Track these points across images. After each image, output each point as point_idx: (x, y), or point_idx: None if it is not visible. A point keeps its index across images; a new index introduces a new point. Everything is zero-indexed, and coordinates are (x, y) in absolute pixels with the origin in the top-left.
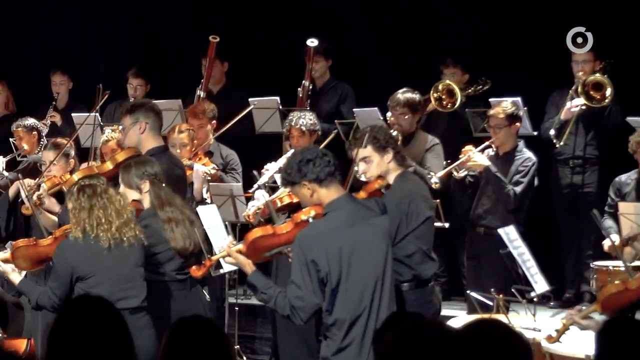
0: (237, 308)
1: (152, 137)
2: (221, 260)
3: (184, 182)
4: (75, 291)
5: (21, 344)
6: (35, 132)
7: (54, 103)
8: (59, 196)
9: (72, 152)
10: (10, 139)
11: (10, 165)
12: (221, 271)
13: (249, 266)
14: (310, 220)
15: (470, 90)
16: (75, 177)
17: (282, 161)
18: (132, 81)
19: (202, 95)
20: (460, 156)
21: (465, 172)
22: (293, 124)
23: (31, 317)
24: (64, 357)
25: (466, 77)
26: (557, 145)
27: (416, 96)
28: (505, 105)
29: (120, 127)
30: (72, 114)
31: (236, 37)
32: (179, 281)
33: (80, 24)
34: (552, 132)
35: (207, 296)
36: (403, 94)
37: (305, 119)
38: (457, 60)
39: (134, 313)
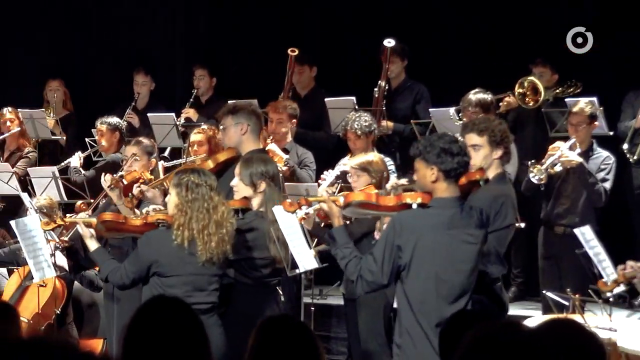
0: (312, 308)
1: (252, 140)
2: (296, 254)
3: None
4: (150, 282)
5: (97, 344)
6: (117, 132)
7: (133, 104)
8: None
9: (155, 152)
10: (87, 139)
11: (86, 164)
12: (297, 271)
13: (338, 219)
14: (414, 206)
15: (559, 91)
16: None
17: (338, 169)
18: (196, 72)
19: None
20: (550, 153)
21: (561, 168)
22: (348, 127)
23: (106, 318)
24: (140, 358)
25: (555, 78)
26: (631, 160)
27: (488, 96)
28: (586, 104)
29: (221, 127)
30: (148, 114)
31: (318, 39)
32: (263, 285)
33: (158, 24)
34: (625, 145)
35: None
36: (475, 95)
37: (360, 121)
38: (547, 60)
39: (204, 313)
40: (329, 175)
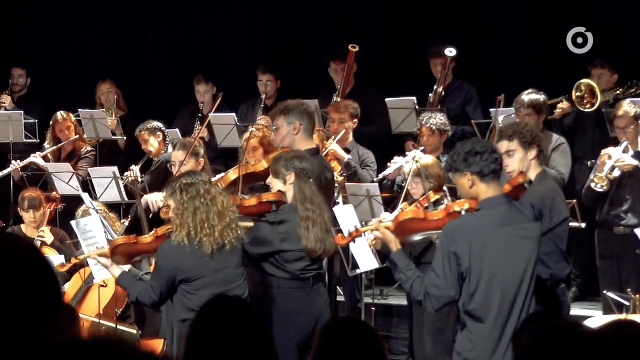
0: (373, 308)
1: (304, 139)
2: (357, 253)
3: (333, 186)
4: (178, 292)
5: (158, 344)
6: (159, 133)
7: (200, 115)
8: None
9: (201, 151)
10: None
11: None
12: (357, 271)
13: (394, 243)
14: (463, 212)
15: (619, 92)
16: (232, 175)
17: (409, 157)
18: (262, 77)
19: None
20: (602, 159)
21: (619, 173)
22: (424, 122)
23: (166, 317)
24: (202, 357)
25: (615, 78)
26: None
27: (540, 97)
28: (628, 105)
29: (273, 128)
30: (210, 115)
31: (368, 37)
32: (301, 279)
33: (218, 26)
34: None
35: (343, 296)
36: (527, 95)
37: (436, 118)
38: (606, 61)
39: None
40: (398, 162)
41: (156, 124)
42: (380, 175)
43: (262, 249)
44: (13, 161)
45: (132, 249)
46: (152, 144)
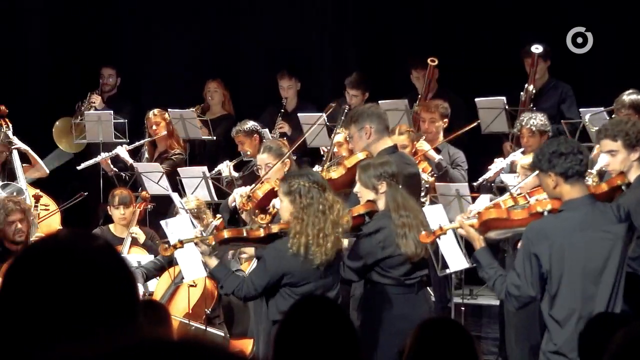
0: (463, 308)
1: (379, 140)
2: (446, 253)
3: (418, 179)
4: (279, 293)
5: (247, 345)
6: (256, 135)
7: (282, 111)
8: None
9: (288, 153)
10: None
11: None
12: (447, 271)
13: (478, 241)
14: (545, 213)
15: None
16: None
17: (509, 160)
18: (349, 91)
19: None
20: None
21: None
22: (524, 123)
23: (254, 317)
24: (291, 357)
25: None
26: None
27: None
28: None
29: (349, 137)
30: (299, 114)
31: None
32: (406, 285)
33: (307, 25)
34: None
35: (432, 296)
36: (628, 96)
37: (536, 119)
38: None
39: None
40: (498, 164)
41: (252, 125)
42: (481, 180)
43: (366, 261)
44: (102, 153)
45: (241, 240)
46: (249, 146)
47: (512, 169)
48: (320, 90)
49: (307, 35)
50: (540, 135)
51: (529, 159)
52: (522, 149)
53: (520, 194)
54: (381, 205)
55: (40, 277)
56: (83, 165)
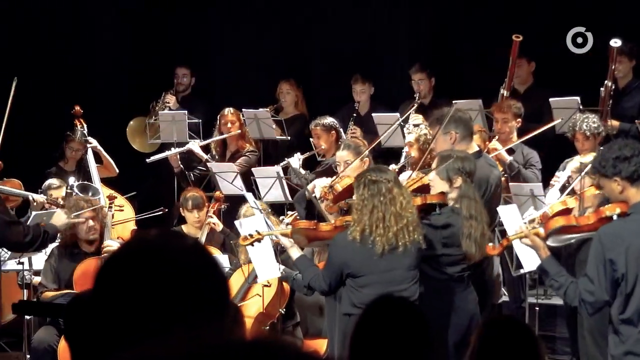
0: (537, 308)
1: (464, 146)
2: (520, 254)
3: (501, 185)
4: (346, 285)
5: (321, 344)
6: (333, 132)
7: (354, 115)
8: None
9: (366, 152)
10: (311, 139)
11: (306, 165)
12: (521, 271)
13: (543, 250)
14: (614, 217)
15: None
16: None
17: (567, 173)
18: (414, 76)
19: (505, 95)
20: None
21: None
22: (577, 127)
23: (328, 317)
24: (366, 357)
25: None
26: None
27: None
28: None
29: (431, 138)
30: (373, 114)
31: (544, 35)
32: (457, 280)
33: (380, 26)
34: None
35: (507, 296)
36: None
37: (588, 122)
38: None
39: None
40: (559, 180)
41: (332, 121)
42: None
43: (424, 251)
44: (173, 148)
45: (311, 234)
46: (325, 141)
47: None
48: (392, 94)
49: (379, 37)
50: (594, 138)
51: (577, 162)
52: (578, 156)
53: (575, 194)
54: (451, 199)
55: (132, 277)
56: (152, 159)
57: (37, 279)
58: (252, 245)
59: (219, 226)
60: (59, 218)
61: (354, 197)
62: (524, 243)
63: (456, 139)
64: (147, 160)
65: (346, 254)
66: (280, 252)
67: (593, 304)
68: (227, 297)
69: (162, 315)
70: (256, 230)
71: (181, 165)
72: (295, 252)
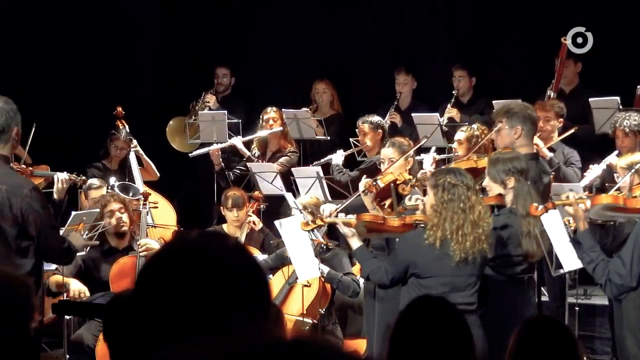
0: (577, 308)
1: (525, 144)
2: (560, 253)
3: (549, 191)
4: (409, 283)
5: (361, 345)
6: (380, 130)
7: (395, 103)
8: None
9: (411, 152)
10: (351, 139)
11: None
12: (561, 271)
13: (583, 222)
14: None
15: None
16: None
17: (603, 164)
18: (455, 73)
19: (552, 95)
20: None
21: None
22: (617, 125)
23: (366, 316)
24: (405, 357)
25: None
26: None
27: None
28: None
29: (495, 129)
30: (412, 114)
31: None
32: (518, 281)
33: (424, 24)
34: None
35: (547, 296)
36: None
37: (630, 119)
38: None
39: (463, 314)
40: (594, 170)
41: (379, 119)
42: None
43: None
44: (215, 144)
45: (376, 227)
46: (371, 139)
47: (609, 172)
48: (433, 94)
49: (418, 37)
50: (634, 136)
51: (626, 159)
52: (616, 152)
53: (621, 192)
54: (508, 200)
55: (174, 277)
56: (195, 153)
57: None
58: (313, 231)
59: (259, 225)
60: (76, 239)
61: (429, 197)
62: (567, 211)
63: (520, 135)
64: (190, 154)
65: (416, 254)
66: (320, 253)
67: (619, 287)
68: (268, 298)
69: (203, 315)
70: (320, 217)
71: (222, 164)
72: (355, 242)
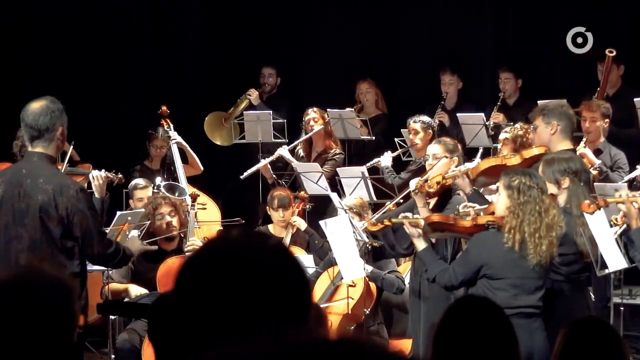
0: (622, 308)
1: (561, 140)
2: (605, 253)
3: (589, 187)
4: (478, 284)
5: (406, 345)
6: (430, 131)
7: (442, 103)
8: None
9: (457, 152)
10: (396, 139)
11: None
12: (606, 271)
13: (636, 220)
14: None
15: None
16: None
17: None
18: (502, 75)
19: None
20: None
21: None
22: None
23: (412, 316)
24: (450, 357)
25: None
26: None
27: None
28: None
29: (532, 127)
30: (458, 114)
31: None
32: (575, 281)
33: (470, 23)
34: None
35: (592, 296)
36: None
37: None
38: None
39: (530, 317)
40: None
41: (430, 119)
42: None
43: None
44: (261, 160)
45: (446, 227)
46: (421, 139)
47: None
48: (479, 92)
49: (466, 36)
50: None
51: None
52: None
53: None
54: (561, 200)
55: (213, 276)
56: (246, 175)
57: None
58: (380, 231)
59: (302, 225)
60: (133, 244)
61: (501, 198)
62: (620, 208)
63: (557, 130)
64: (241, 177)
65: (491, 255)
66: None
67: None
68: (309, 298)
69: (243, 314)
70: (387, 218)
71: (274, 176)
72: (421, 244)
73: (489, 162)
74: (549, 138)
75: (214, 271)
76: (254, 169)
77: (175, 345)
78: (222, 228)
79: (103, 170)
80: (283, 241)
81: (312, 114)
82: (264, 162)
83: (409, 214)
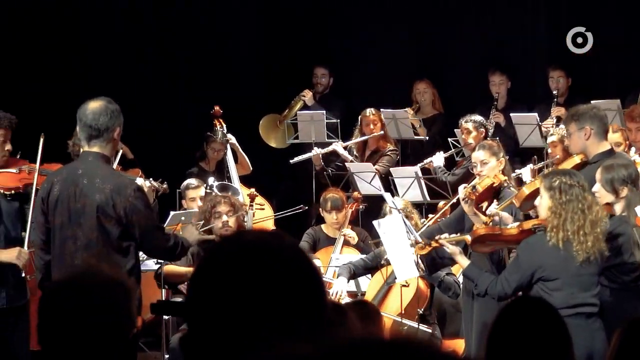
0: None
1: (597, 143)
2: None
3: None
4: (534, 288)
5: (459, 345)
6: (482, 130)
7: (495, 103)
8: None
9: (502, 153)
10: (449, 139)
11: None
12: None
13: None
14: None
15: None
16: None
17: None
18: (552, 74)
19: None
20: None
21: None
22: None
23: (464, 316)
24: (503, 357)
25: None
26: None
27: None
28: None
29: (567, 134)
30: (511, 114)
31: None
32: (631, 289)
33: (519, 22)
34: None
35: None
36: None
37: None
38: None
39: (589, 317)
40: None
41: (482, 119)
42: None
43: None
44: (315, 148)
45: (493, 238)
46: (474, 138)
47: None
48: (531, 92)
49: (517, 35)
50: None
51: None
52: None
53: None
54: (618, 208)
55: (230, 276)
56: (296, 160)
57: None
58: (429, 254)
59: (354, 239)
60: (191, 233)
61: (543, 200)
62: None
63: (590, 135)
64: (291, 161)
65: (542, 258)
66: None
67: None
68: (324, 298)
69: (258, 314)
70: (435, 239)
71: (322, 163)
72: (464, 260)
73: (533, 185)
74: (583, 144)
75: (227, 272)
76: (305, 156)
77: (219, 346)
78: (275, 228)
79: (150, 179)
80: (336, 242)
81: (371, 116)
82: (316, 152)
83: (446, 235)
